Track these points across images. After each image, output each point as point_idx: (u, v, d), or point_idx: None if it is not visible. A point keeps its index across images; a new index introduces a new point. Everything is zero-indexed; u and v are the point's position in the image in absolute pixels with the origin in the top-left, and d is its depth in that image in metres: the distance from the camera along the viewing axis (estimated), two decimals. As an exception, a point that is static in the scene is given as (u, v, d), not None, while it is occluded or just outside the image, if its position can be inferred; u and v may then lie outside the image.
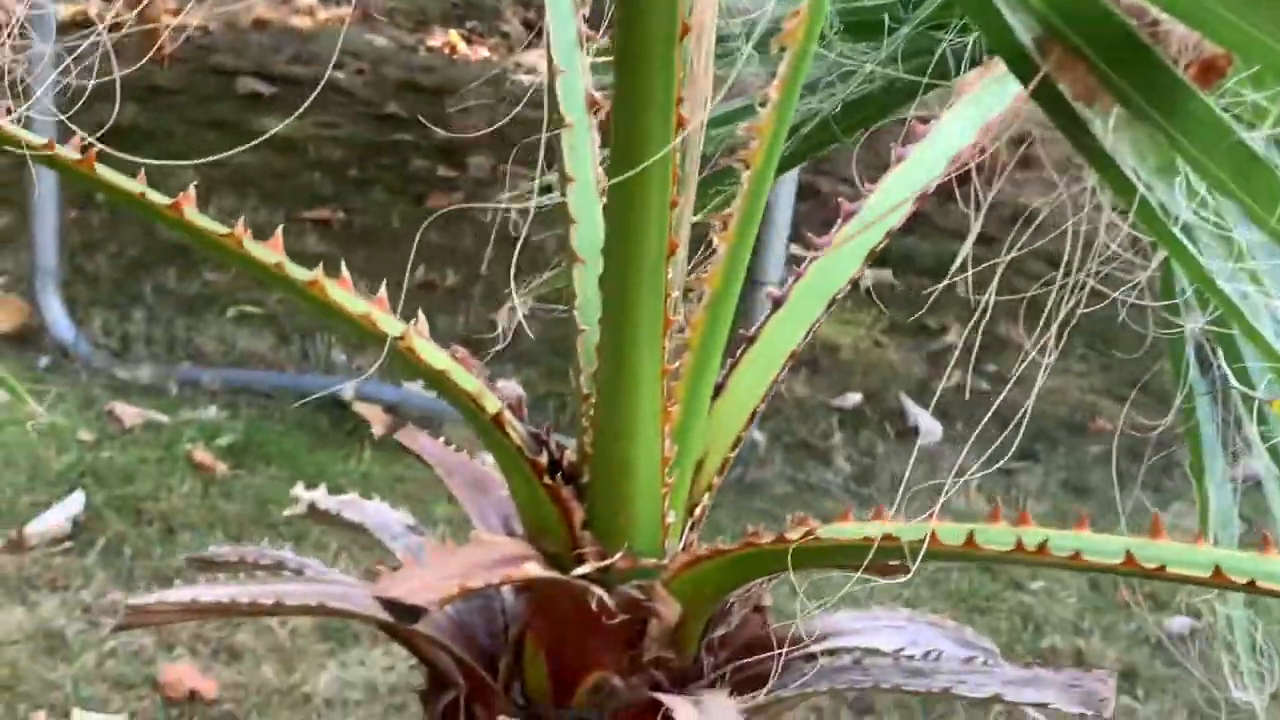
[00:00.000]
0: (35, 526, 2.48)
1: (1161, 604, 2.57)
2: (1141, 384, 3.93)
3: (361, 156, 4.70)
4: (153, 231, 3.89)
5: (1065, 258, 0.85)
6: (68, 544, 2.49)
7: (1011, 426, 0.86)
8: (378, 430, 2.97)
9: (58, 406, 2.90)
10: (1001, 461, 0.86)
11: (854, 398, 3.41)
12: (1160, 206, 0.65)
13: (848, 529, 0.85)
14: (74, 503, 2.57)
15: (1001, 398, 0.90)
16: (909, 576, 0.87)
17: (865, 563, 0.86)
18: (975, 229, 0.71)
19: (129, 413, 2.92)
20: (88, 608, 2.33)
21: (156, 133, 4.56)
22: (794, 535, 0.85)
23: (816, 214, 4.38)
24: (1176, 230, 0.65)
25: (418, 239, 3.18)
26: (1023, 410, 0.82)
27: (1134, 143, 0.64)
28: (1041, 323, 0.81)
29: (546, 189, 1.04)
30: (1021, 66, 0.63)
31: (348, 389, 3.09)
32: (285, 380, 3.19)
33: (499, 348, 1.08)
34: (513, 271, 0.98)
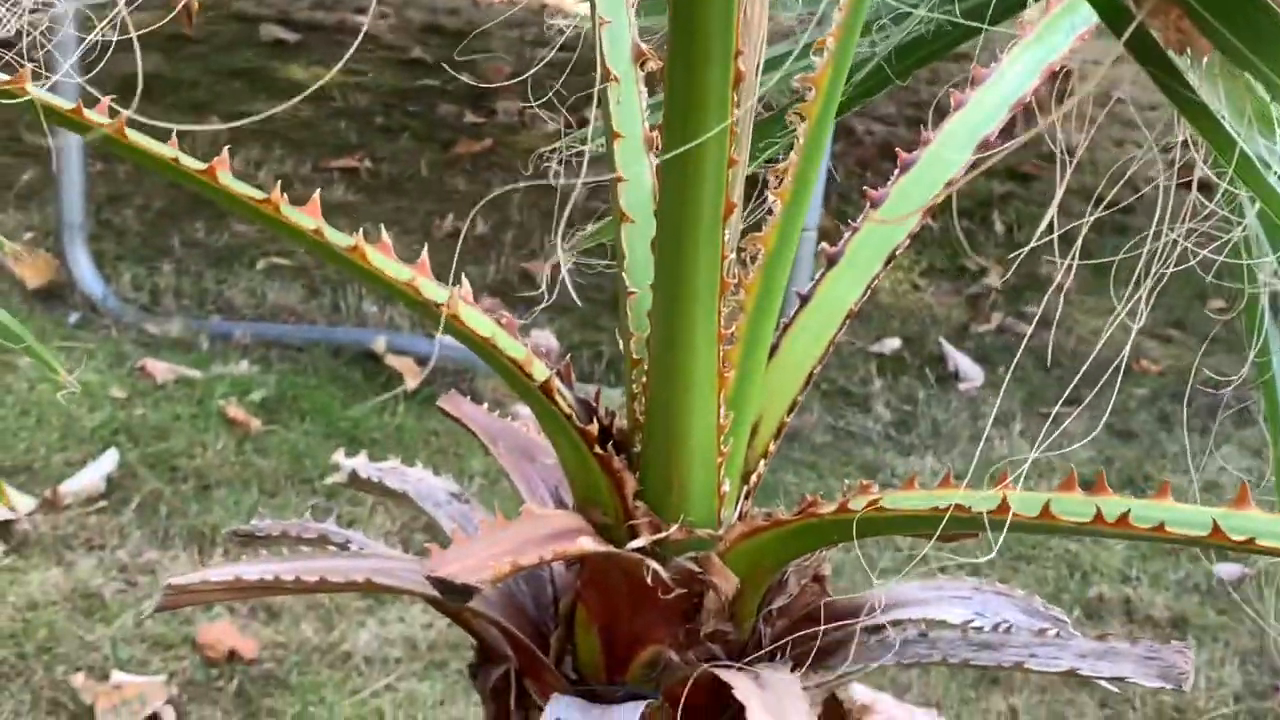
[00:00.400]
0: (69, 485, 2.47)
1: (1213, 551, 2.53)
2: (1185, 324, 3.89)
3: (388, 103, 4.65)
4: (179, 184, 3.86)
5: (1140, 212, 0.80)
6: (102, 503, 2.47)
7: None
8: (411, 384, 2.94)
9: (88, 363, 2.88)
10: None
11: (892, 343, 3.37)
12: (1258, 159, 0.61)
13: (914, 498, 0.82)
14: (108, 461, 2.56)
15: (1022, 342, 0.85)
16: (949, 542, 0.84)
17: (934, 534, 0.83)
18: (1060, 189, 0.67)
19: (160, 368, 2.90)
20: (124, 567, 2.32)
21: (181, 83, 4.52)
22: (857, 505, 0.81)
23: (852, 154, 4.32)
24: (1277, 183, 0.61)
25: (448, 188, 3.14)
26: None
27: (1231, 92, 0.60)
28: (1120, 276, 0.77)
29: (582, 138, 1.00)
30: (1112, 13, 0.59)
31: (380, 342, 3.06)
32: (317, 333, 3.17)
33: (532, 297, 1.05)
34: (557, 226, 0.95)
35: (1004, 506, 0.76)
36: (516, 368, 0.85)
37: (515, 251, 3.55)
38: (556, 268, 1.18)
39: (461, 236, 3.36)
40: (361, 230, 0.83)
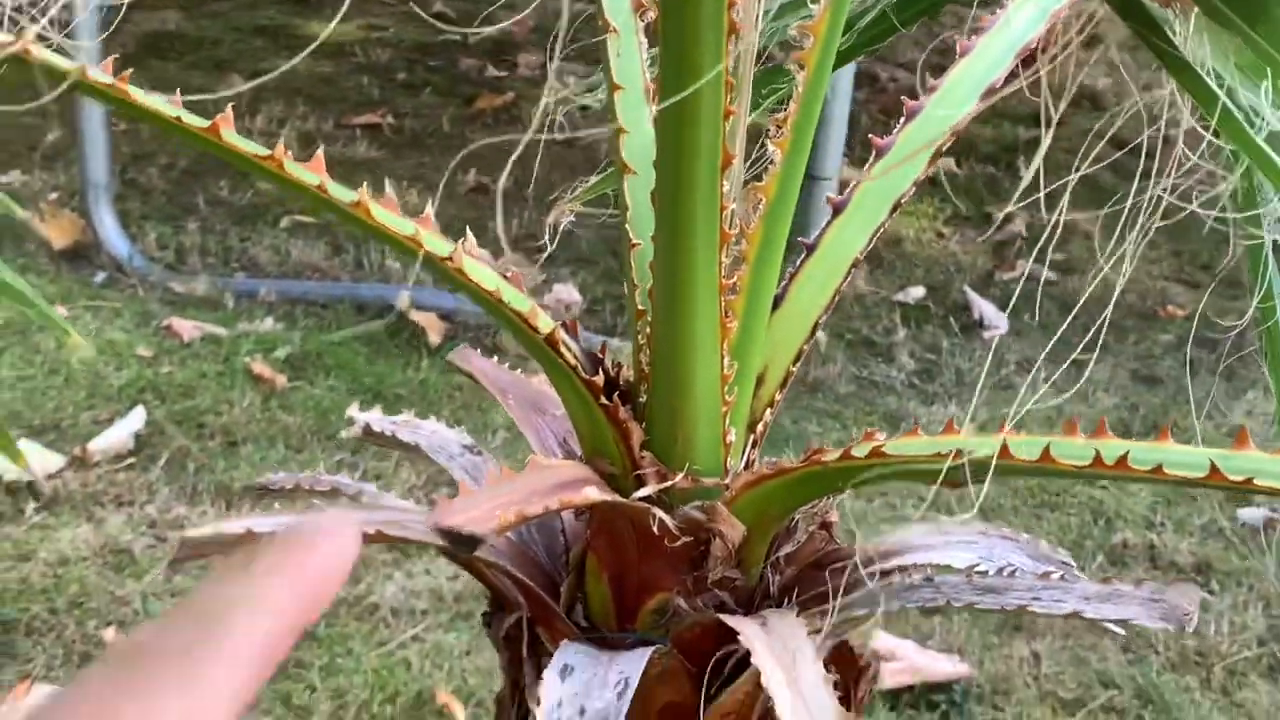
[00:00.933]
0: (98, 443, 2.50)
1: (1236, 496, 2.53)
2: (1212, 268, 3.87)
3: (409, 59, 4.65)
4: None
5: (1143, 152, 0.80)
6: (130, 460, 2.50)
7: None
8: (434, 339, 2.95)
9: (115, 322, 2.90)
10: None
11: (916, 292, 3.36)
12: (1249, 109, 0.61)
13: (916, 444, 0.82)
14: (135, 418, 2.58)
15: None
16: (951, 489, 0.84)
17: (936, 479, 0.83)
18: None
19: (186, 327, 2.92)
20: (153, 523, 2.34)
21: (203, 40, 4.53)
22: (860, 452, 0.82)
23: (875, 101, 4.29)
24: (1260, 139, 0.61)
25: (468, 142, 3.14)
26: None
27: (1215, 47, 0.60)
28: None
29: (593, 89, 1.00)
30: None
31: (404, 297, 3.08)
32: (341, 290, 3.18)
33: (553, 252, 1.05)
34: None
35: (1005, 451, 0.77)
36: (521, 321, 0.85)
37: (538, 205, 3.56)
38: (564, 221, 1.19)
39: (487, 191, 3.36)
40: (367, 185, 0.83)
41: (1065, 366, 3.28)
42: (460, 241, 0.85)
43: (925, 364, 3.06)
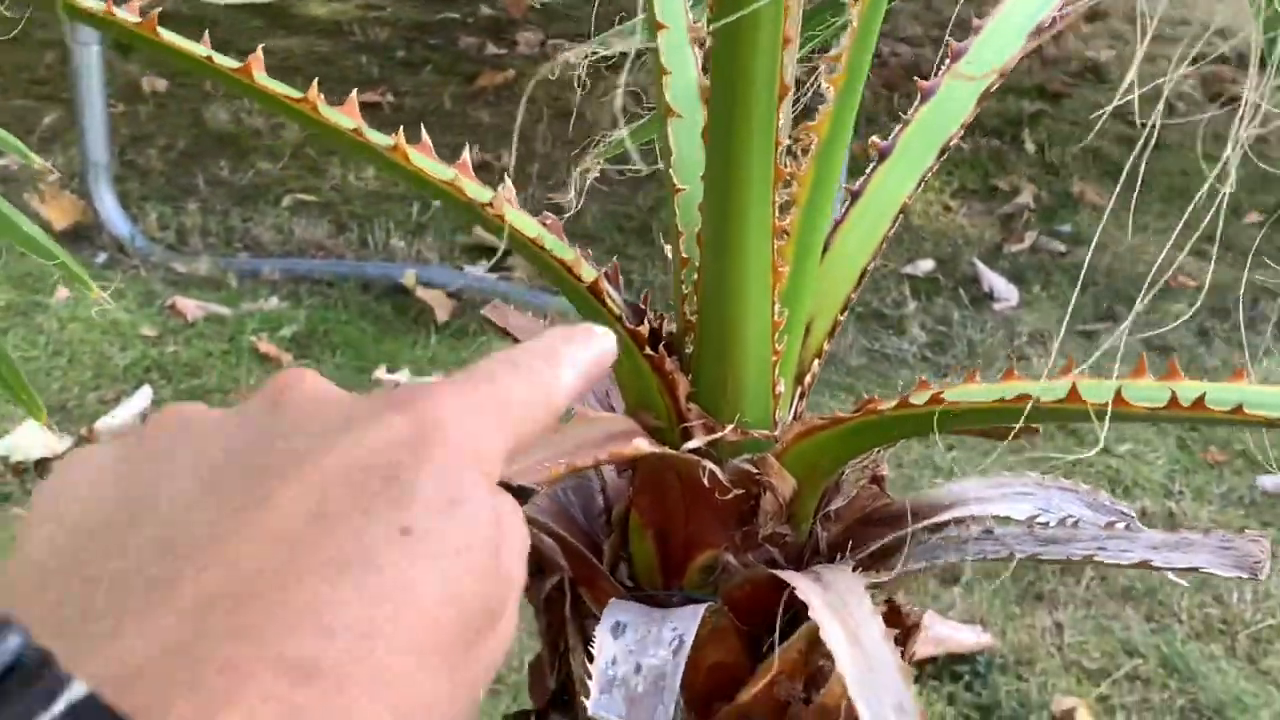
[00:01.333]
0: (105, 423, 2.47)
1: (1254, 461, 2.51)
2: (1223, 238, 3.81)
3: (408, 37, 4.61)
4: (201, 122, 3.84)
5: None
6: (138, 440, 2.46)
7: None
8: (441, 316, 2.92)
9: (118, 302, 2.87)
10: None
11: (926, 264, 3.33)
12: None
13: (977, 391, 0.79)
14: (141, 398, 2.55)
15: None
16: (1009, 440, 0.81)
17: (997, 426, 0.81)
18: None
19: (190, 306, 2.89)
20: (162, 503, 2.31)
21: (201, 20, 4.49)
22: (919, 400, 0.79)
23: (878, 75, 4.25)
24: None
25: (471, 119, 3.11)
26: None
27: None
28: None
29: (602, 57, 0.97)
30: None
31: (409, 275, 3.04)
32: (345, 268, 3.15)
33: (565, 222, 1.03)
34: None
35: (1074, 394, 0.74)
36: (564, 269, 0.83)
37: (541, 183, 3.52)
38: (589, 178, 1.15)
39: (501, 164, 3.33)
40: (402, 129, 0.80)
41: (1076, 338, 3.25)
42: (500, 187, 0.82)
43: (937, 336, 3.03)
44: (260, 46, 0.85)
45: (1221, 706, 1.96)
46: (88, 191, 3.19)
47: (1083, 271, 3.27)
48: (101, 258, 3.11)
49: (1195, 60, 0.75)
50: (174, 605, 0.31)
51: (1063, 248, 3.44)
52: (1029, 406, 0.75)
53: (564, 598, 0.91)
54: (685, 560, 0.88)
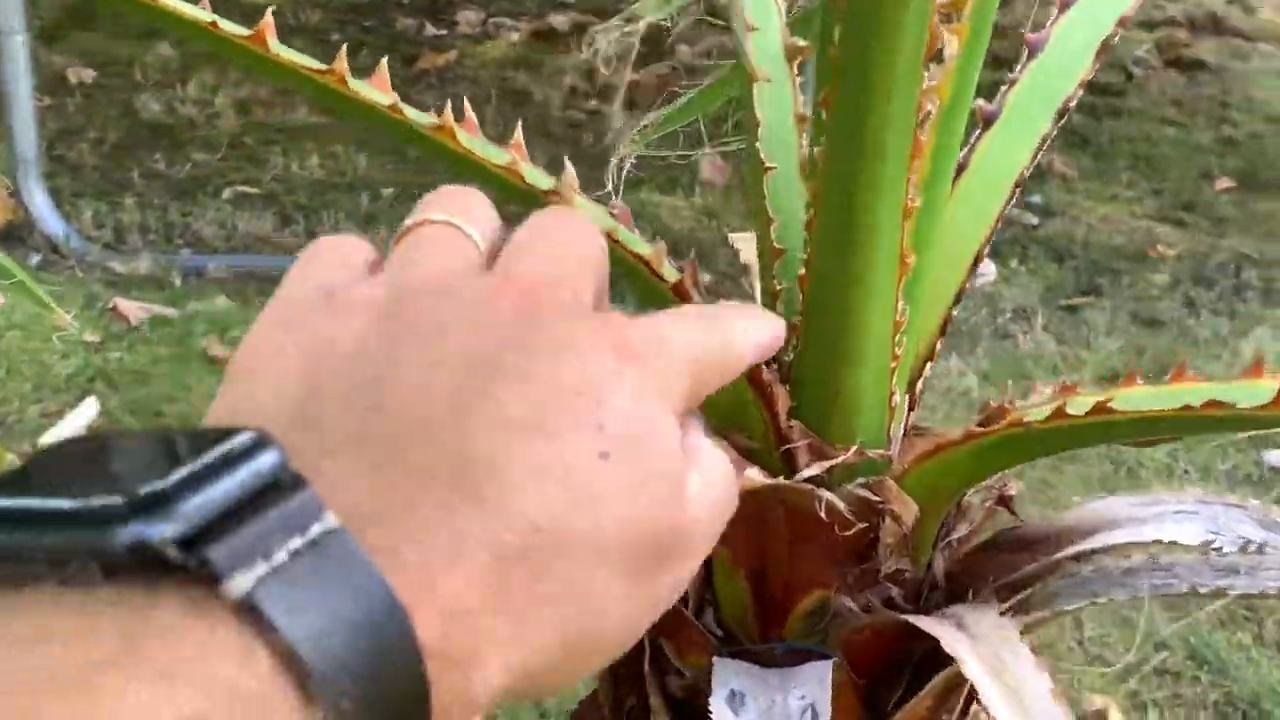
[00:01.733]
0: (50, 438, 2.30)
1: (1258, 438, 2.42)
2: (1194, 207, 3.74)
3: (342, 19, 4.44)
4: (133, 112, 3.65)
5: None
6: (85, 454, 2.30)
7: None
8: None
9: (58, 307, 2.69)
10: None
11: (899, 240, 3.22)
12: None
13: (1150, 397, 0.67)
14: (87, 409, 2.38)
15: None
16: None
17: (1164, 439, 0.68)
18: None
19: (133, 308, 2.72)
20: (116, 522, 2.15)
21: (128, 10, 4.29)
22: (1077, 409, 0.66)
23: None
24: None
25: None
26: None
27: None
28: None
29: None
30: None
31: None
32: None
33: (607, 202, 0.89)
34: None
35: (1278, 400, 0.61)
36: (644, 265, 0.69)
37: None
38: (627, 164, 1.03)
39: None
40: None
41: (1059, 312, 3.11)
42: (563, 174, 0.68)
43: (918, 315, 2.91)
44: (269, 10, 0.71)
45: (1257, 699, 1.86)
46: (17, 189, 3.00)
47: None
48: (35, 259, 2.93)
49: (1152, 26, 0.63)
50: (408, 465, 0.32)
51: (1035, 220, 3.34)
52: (1223, 414, 0.62)
53: (642, 649, 0.78)
54: (787, 604, 0.75)
